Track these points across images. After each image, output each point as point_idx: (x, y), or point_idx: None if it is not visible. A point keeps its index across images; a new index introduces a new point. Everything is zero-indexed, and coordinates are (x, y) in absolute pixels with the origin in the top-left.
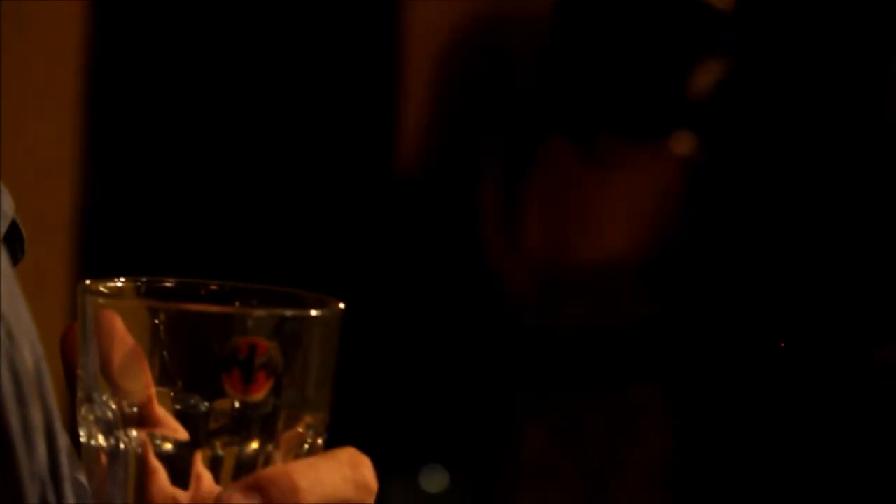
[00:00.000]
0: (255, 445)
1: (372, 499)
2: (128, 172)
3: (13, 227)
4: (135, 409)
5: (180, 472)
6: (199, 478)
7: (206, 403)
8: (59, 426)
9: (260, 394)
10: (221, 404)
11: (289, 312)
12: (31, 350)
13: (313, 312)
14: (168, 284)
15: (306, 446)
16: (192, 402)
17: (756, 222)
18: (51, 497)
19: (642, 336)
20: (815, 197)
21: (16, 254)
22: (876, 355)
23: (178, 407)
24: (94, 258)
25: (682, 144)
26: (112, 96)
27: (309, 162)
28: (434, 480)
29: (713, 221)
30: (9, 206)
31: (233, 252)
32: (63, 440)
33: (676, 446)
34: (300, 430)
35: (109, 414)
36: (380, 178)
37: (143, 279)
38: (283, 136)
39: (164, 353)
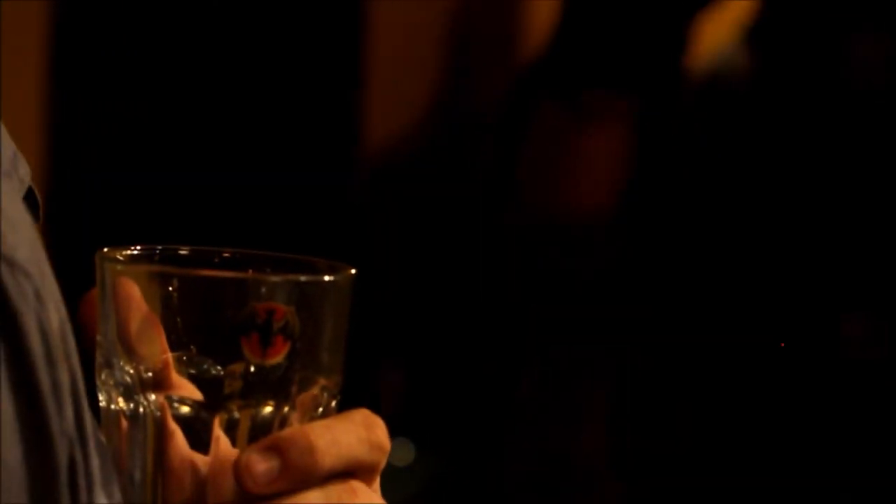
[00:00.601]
0: (270, 408)
1: (384, 459)
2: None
3: (30, 193)
4: (151, 374)
5: (197, 435)
6: (216, 441)
7: (221, 368)
8: (82, 386)
9: (278, 357)
10: (237, 368)
11: (304, 278)
12: (57, 310)
13: (327, 278)
14: (183, 252)
15: (321, 409)
16: (207, 366)
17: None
18: (78, 455)
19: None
20: (784, 163)
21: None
22: (841, 331)
23: (193, 372)
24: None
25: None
26: (76, 92)
27: (276, 151)
28: (400, 453)
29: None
30: (26, 172)
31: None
32: (85, 401)
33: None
34: (315, 392)
35: (128, 378)
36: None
37: (159, 247)
38: (249, 131)
39: (179, 318)
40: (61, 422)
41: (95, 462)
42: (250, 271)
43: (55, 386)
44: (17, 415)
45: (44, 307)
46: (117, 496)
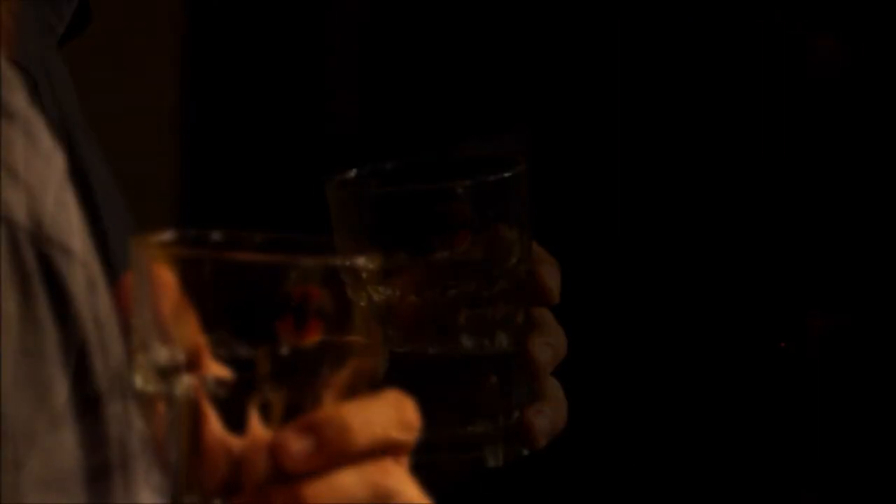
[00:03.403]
0: (303, 389)
1: (414, 438)
2: None
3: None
4: (185, 357)
5: (232, 416)
6: (251, 422)
7: (255, 350)
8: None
9: (313, 339)
10: (270, 350)
11: (337, 261)
12: (106, 297)
13: (360, 261)
14: (216, 236)
15: (355, 389)
16: (241, 349)
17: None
18: (129, 441)
19: None
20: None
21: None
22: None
23: (227, 354)
24: None
25: None
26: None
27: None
28: None
29: None
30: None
31: None
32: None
33: None
34: (348, 373)
35: (163, 361)
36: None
37: (192, 231)
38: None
39: (213, 302)
40: (113, 407)
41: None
42: (285, 254)
43: (108, 373)
44: (73, 403)
45: (96, 295)
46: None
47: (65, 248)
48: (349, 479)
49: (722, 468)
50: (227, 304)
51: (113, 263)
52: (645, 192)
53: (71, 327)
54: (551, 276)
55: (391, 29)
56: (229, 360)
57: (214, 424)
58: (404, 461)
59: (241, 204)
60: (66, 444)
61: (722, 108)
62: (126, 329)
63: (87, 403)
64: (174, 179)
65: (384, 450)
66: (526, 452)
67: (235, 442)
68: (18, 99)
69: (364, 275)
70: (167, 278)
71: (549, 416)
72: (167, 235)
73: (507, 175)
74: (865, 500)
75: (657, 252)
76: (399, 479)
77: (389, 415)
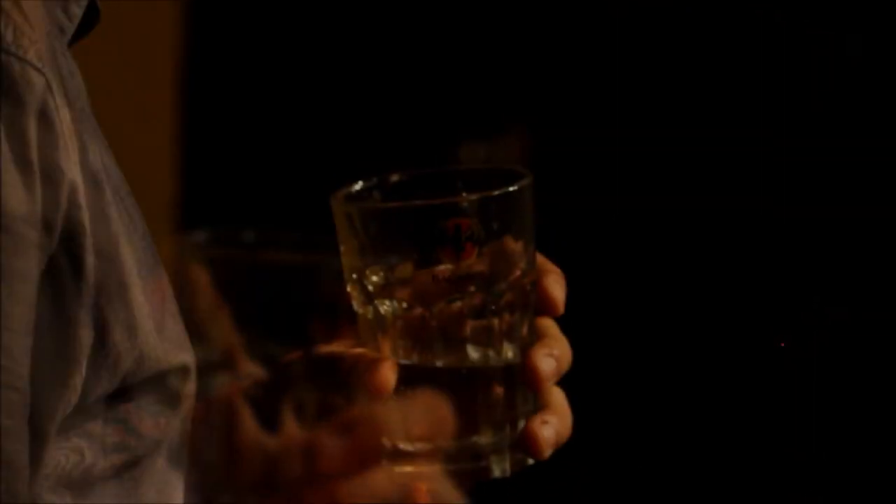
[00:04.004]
0: (336, 388)
1: (449, 438)
2: None
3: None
4: (219, 357)
5: (266, 415)
6: (285, 420)
7: (284, 350)
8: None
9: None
10: (304, 350)
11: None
12: None
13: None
14: (249, 237)
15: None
16: (275, 348)
17: None
18: None
19: None
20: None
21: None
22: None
23: (260, 353)
24: None
25: None
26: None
27: None
28: None
29: None
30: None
31: None
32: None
33: None
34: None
35: (198, 361)
36: None
37: (225, 231)
38: None
39: (247, 301)
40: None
41: None
42: (319, 254)
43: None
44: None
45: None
46: None
47: (88, 248)
48: (382, 480)
49: (723, 469)
50: (261, 304)
51: (125, 262)
52: (644, 197)
53: (98, 328)
54: (556, 288)
55: (385, 28)
56: (263, 359)
57: (250, 423)
58: (437, 461)
59: (240, 206)
60: (87, 444)
61: (720, 106)
62: (161, 326)
63: (110, 402)
64: (173, 183)
65: (418, 450)
66: (531, 462)
67: (271, 440)
68: (49, 101)
69: (371, 288)
70: (201, 279)
71: (554, 426)
72: (201, 236)
73: (511, 189)
74: (865, 498)
75: (659, 259)
76: (432, 479)
77: (424, 415)
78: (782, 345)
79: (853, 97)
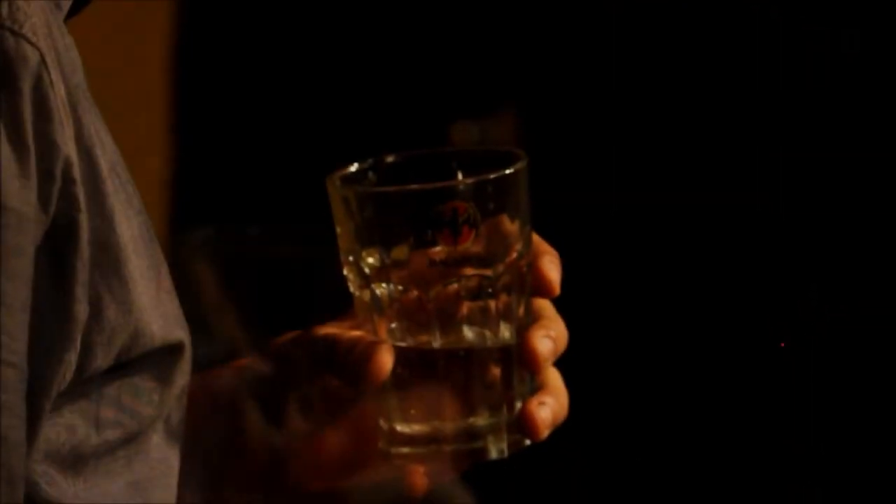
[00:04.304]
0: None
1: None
2: None
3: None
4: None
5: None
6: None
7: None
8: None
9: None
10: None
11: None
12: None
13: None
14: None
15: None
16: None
17: None
18: None
19: None
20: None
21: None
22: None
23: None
24: None
25: None
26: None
27: None
28: None
29: None
30: None
31: None
32: None
33: None
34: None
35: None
36: None
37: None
38: None
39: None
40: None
41: None
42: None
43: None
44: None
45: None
46: None
47: (83, 223)
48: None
49: (722, 466)
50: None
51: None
52: (642, 183)
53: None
54: (552, 269)
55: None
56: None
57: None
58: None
59: (233, 190)
60: (80, 420)
61: (719, 100)
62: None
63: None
64: (165, 168)
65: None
66: (528, 443)
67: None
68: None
69: (367, 270)
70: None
71: (550, 406)
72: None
73: (508, 172)
74: (865, 497)
75: (657, 246)
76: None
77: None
78: (782, 344)
79: (853, 97)
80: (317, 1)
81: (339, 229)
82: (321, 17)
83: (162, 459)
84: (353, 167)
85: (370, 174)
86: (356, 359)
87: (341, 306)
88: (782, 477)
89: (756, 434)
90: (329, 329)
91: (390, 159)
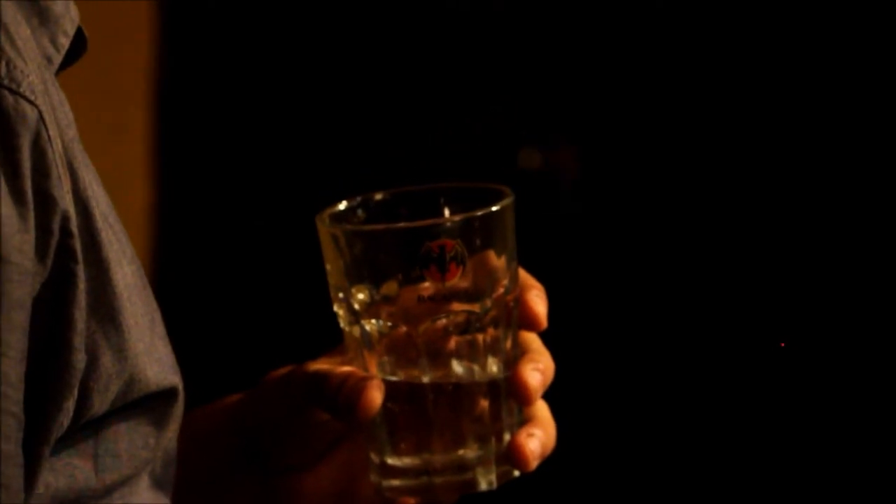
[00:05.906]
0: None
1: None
2: None
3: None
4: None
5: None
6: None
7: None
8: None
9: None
10: None
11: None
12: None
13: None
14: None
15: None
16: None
17: None
18: None
19: None
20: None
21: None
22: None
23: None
24: None
25: None
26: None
27: None
28: None
29: None
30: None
31: None
32: None
33: None
34: None
35: None
36: None
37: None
38: None
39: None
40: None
41: None
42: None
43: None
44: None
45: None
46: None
47: (80, 275)
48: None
49: (723, 467)
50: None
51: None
52: (634, 202)
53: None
54: (539, 303)
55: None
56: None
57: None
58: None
59: (216, 217)
60: (79, 465)
61: (720, 104)
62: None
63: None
64: (147, 195)
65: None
66: (517, 474)
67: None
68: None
69: (357, 307)
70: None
71: (539, 438)
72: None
73: (494, 209)
74: (865, 497)
75: (656, 253)
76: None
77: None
78: (782, 345)
79: (853, 96)
80: (296, 31)
81: (328, 266)
82: (299, 53)
83: (153, 501)
84: (342, 205)
85: (359, 211)
86: (347, 394)
87: (330, 342)
88: (782, 477)
89: (756, 434)
90: (319, 364)
91: (378, 196)
